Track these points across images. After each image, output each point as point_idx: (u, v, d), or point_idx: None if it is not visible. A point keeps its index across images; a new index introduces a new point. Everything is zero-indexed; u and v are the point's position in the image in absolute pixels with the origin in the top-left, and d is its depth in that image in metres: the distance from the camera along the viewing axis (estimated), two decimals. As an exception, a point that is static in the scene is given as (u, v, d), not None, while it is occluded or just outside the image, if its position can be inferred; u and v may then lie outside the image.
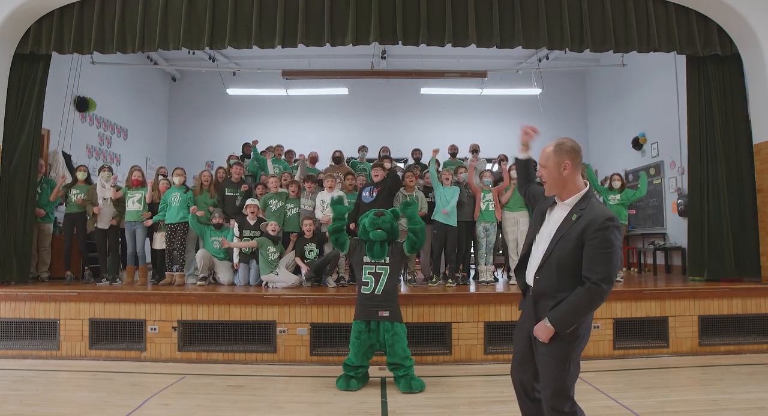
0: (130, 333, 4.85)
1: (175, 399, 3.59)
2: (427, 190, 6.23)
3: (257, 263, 5.67)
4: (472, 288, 5.48)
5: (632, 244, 9.33)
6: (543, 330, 2.02)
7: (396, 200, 5.73)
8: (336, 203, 4.25)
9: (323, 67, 9.48)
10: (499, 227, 6.08)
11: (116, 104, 9.63)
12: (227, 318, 4.78)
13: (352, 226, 5.44)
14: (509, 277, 6.44)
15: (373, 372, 4.16)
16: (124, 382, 4.06)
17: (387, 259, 3.99)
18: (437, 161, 6.49)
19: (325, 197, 5.90)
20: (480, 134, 9.45)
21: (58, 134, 7.63)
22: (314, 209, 6.01)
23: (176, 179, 6.00)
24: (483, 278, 5.83)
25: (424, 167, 7.38)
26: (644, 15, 5.77)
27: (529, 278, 2.17)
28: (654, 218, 9.07)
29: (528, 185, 2.47)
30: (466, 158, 7.35)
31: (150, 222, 5.97)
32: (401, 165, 8.58)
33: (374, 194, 5.67)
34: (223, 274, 5.89)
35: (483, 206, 5.88)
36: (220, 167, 6.94)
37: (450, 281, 5.70)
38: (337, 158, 7.47)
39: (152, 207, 6.07)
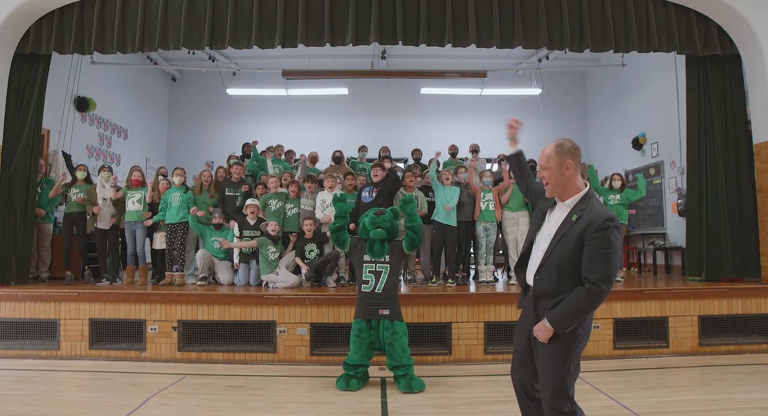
0: (130, 333, 4.85)
1: (175, 399, 3.59)
2: (427, 189, 6.23)
3: (257, 263, 5.67)
4: (472, 288, 5.48)
5: (632, 244, 9.33)
6: (542, 330, 2.02)
7: (396, 200, 5.73)
8: (338, 200, 4.26)
9: (323, 67, 9.48)
10: (499, 227, 6.08)
11: (116, 104, 9.63)
12: (227, 318, 4.78)
13: (351, 226, 5.44)
14: (509, 277, 6.44)
15: (373, 372, 4.16)
16: (124, 382, 4.06)
17: (387, 257, 4.00)
18: (438, 162, 6.51)
19: (325, 197, 5.90)
20: (480, 134, 9.44)
21: (58, 134, 7.63)
22: (314, 209, 6.01)
23: (176, 179, 6.00)
24: (483, 278, 5.83)
25: (424, 167, 7.39)
26: (644, 15, 5.77)
27: (529, 279, 2.17)
28: (654, 218, 9.07)
29: (528, 181, 2.47)
30: (466, 158, 7.35)
31: (150, 222, 5.97)
32: (401, 165, 8.58)
33: (374, 194, 5.67)
34: (223, 274, 5.89)
35: (483, 206, 5.89)
36: (220, 167, 6.94)
37: (450, 281, 5.70)
38: (337, 158, 7.47)
39: (152, 207, 6.07)
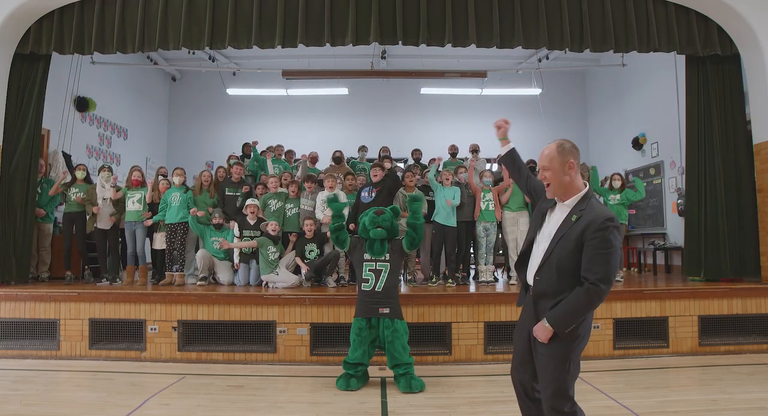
0: (130, 333, 4.85)
1: (175, 399, 3.59)
2: (427, 189, 6.23)
3: (257, 263, 5.67)
4: (472, 288, 5.48)
5: (632, 244, 9.33)
6: (542, 330, 2.02)
7: (396, 199, 5.73)
8: (332, 200, 4.28)
9: (323, 67, 9.48)
10: (499, 227, 6.08)
11: (116, 104, 9.63)
12: (227, 318, 4.78)
13: (351, 226, 5.44)
14: (509, 277, 6.44)
15: (373, 372, 4.16)
16: (124, 382, 4.06)
17: (387, 256, 4.01)
18: (438, 165, 6.52)
19: (325, 196, 5.90)
20: (480, 134, 9.39)
21: (58, 134, 7.63)
22: (314, 209, 6.01)
23: (176, 179, 6.00)
24: (483, 278, 5.83)
25: (424, 166, 7.39)
26: (644, 15, 5.77)
27: (530, 279, 2.17)
28: (654, 218, 9.07)
29: (528, 179, 2.46)
30: (466, 158, 7.36)
31: (150, 222, 5.97)
32: (401, 165, 8.58)
33: (373, 195, 5.68)
34: (223, 274, 5.89)
35: (483, 206, 5.89)
36: (220, 167, 6.94)
37: (450, 281, 5.70)
38: (337, 158, 7.47)
39: (152, 207, 6.07)
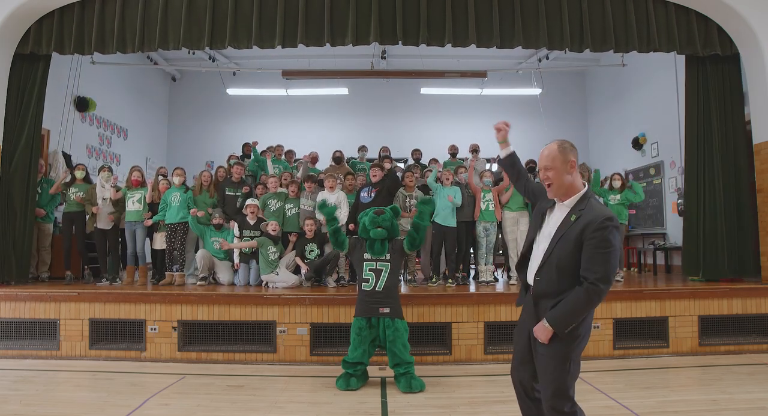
0: (130, 333, 4.85)
1: (175, 399, 3.59)
2: (427, 189, 6.23)
3: (257, 263, 5.67)
4: (472, 288, 5.48)
5: (632, 244, 9.33)
6: (542, 330, 2.02)
7: (396, 199, 5.74)
8: (321, 207, 4.34)
9: (323, 67, 9.48)
10: (499, 227, 6.08)
11: (116, 104, 9.63)
12: (227, 318, 4.78)
13: (351, 226, 5.43)
14: (509, 277, 6.44)
15: (373, 372, 4.16)
16: (124, 382, 4.06)
17: (387, 256, 4.01)
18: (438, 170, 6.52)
19: (325, 197, 5.89)
20: (480, 134, 9.39)
21: (58, 134, 7.63)
22: (314, 209, 6.01)
23: (176, 179, 6.00)
24: (483, 278, 5.83)
25: (424, 166, 7.39)
26: (644, 15, 5.77)
27: (530, 279, 2.17)
28: (654, 218, 9.07)
29: (525, 181, 2.46)
30: (466, 158, 7.35)
31: (150, 222, 5.97)
32: (401, 165, 8.58)
33: (372, 195, 5.68)
34: (223, 274, 5.89)
35: (483, 206, 5.89)
36: (220, 167, 6.94)
37: (450, 281, 5.70)
38: (338, 158, 7.47)
39: (152, 207, 6.07)
